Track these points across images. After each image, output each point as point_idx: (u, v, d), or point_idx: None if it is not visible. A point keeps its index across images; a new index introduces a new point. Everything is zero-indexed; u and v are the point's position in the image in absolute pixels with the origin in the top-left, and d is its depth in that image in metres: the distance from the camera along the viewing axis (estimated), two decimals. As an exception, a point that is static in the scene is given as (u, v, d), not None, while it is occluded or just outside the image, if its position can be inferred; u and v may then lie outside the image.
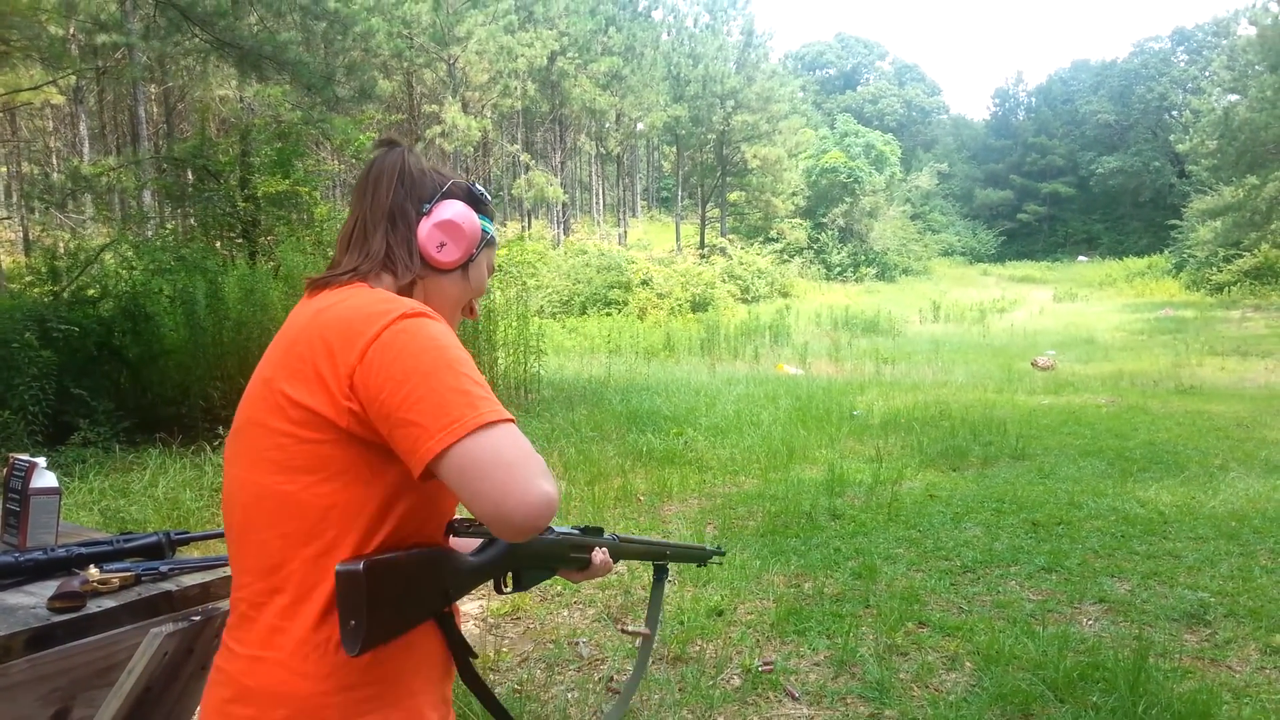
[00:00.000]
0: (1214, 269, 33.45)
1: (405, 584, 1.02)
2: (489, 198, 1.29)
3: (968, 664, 3.39)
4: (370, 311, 1.04)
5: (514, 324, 10.48)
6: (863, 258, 43.69)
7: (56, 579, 1.52)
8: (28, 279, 10.54)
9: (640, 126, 42.50)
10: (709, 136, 41.64)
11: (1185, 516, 5.46)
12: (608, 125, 42.01)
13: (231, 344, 7.77)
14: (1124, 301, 34.15)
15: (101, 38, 11.46)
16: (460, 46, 29.20)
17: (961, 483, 6.55)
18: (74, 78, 17.12)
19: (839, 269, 42.44)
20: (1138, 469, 6.95)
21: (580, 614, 3.99)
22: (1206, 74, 47.88)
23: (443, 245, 1.19)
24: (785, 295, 33.89)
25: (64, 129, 25.34)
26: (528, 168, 35.71)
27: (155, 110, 24.40)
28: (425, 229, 1.18)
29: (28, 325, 7.08)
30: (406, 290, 1.17)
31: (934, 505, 5.80)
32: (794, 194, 43.46)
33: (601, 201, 46.84)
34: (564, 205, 40.28)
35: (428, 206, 1.19)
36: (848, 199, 44.16)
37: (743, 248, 37.46)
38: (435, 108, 30.18)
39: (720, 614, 3.91)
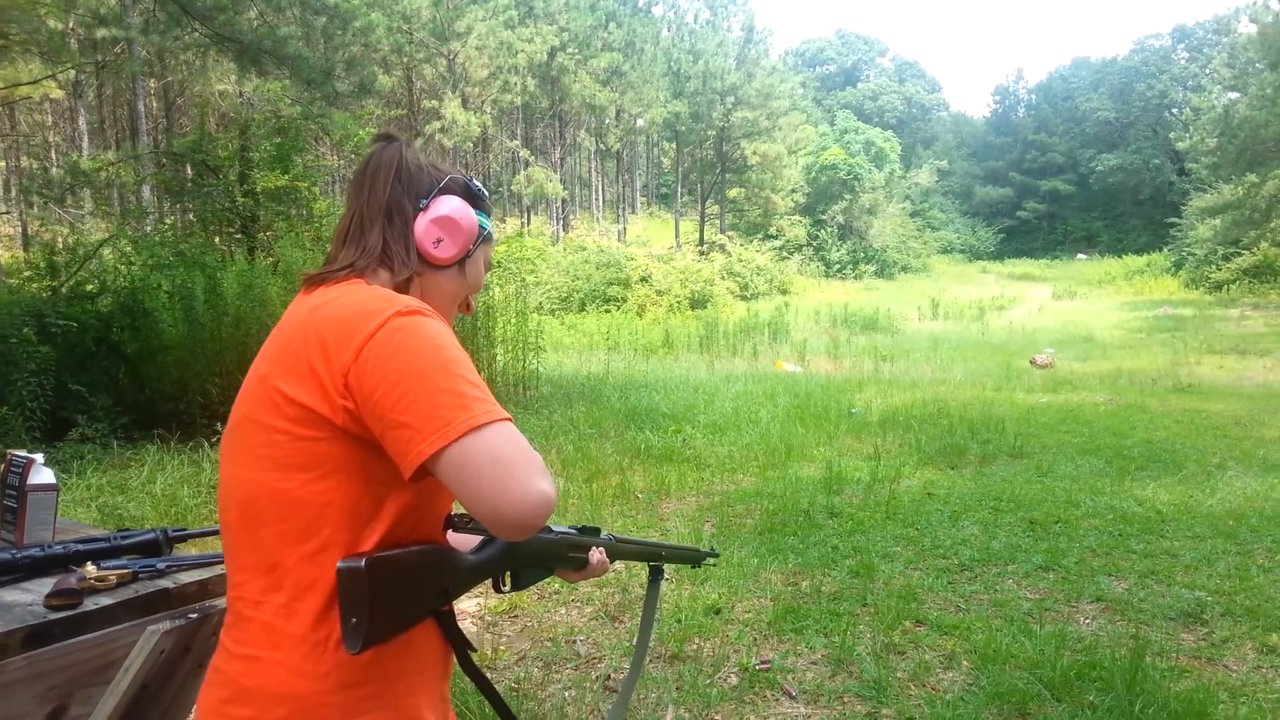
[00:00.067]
0: (1213, 267, 33.48)
1: (406, 582, 1.02)
2: (486, 193, 1.28)
3: (965, 663, 3.39)
4: (366, 309, 1.03)
5: (513, 320, 10.47)
6: (862, 255, 43.70)
7: (54, 576, 1.52)
8: (26, 274, 10.54)
9: (640, 122, 42.52)
10: (709, 133, 41.62)
11: (1183, 515, 5.46)
12: (607, 121, 41.99)
13: (230, 340, 7.76)
14: (1123, 299, 34.17)
15: (101, 32, 11.46)
16: (460, 42, 29.18)
17: (959, 481, 6.55)
18: (73, 72, 17.09)
19: (838, 266, 42.44)
20: (1135, 467, 6.96)
21: (578, 612, 3.99)
22: (1207, 71, 47.87)
23: (440, 241, 1.18)
24: (784, 292, 33.91)
25: (63, 123, 25.31)
26: (527, 164, 35.71)
27: (154, 105, 24.38)
28: (422, 225, 1.18)
29: (26, 320, 7.07)
30: (403, 286, 1.16)
31: (932, 503, 5.80)
32: (793, 191, 43.46)
33: (601, 198, 46.85)
34: (563, 201, 40.27)
35: (425, 202, 1.19)
36: (847, 196, 44.16)
37: (742, 245, 37.48)
38: (435, 103, 30.19)
39: (718, 612, 3.91)
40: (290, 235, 9.51)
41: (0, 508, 1.76)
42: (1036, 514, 5.50)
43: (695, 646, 3.57)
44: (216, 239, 10.65)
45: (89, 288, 8.71)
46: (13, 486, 1.74)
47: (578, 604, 4.07)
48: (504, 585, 1.22)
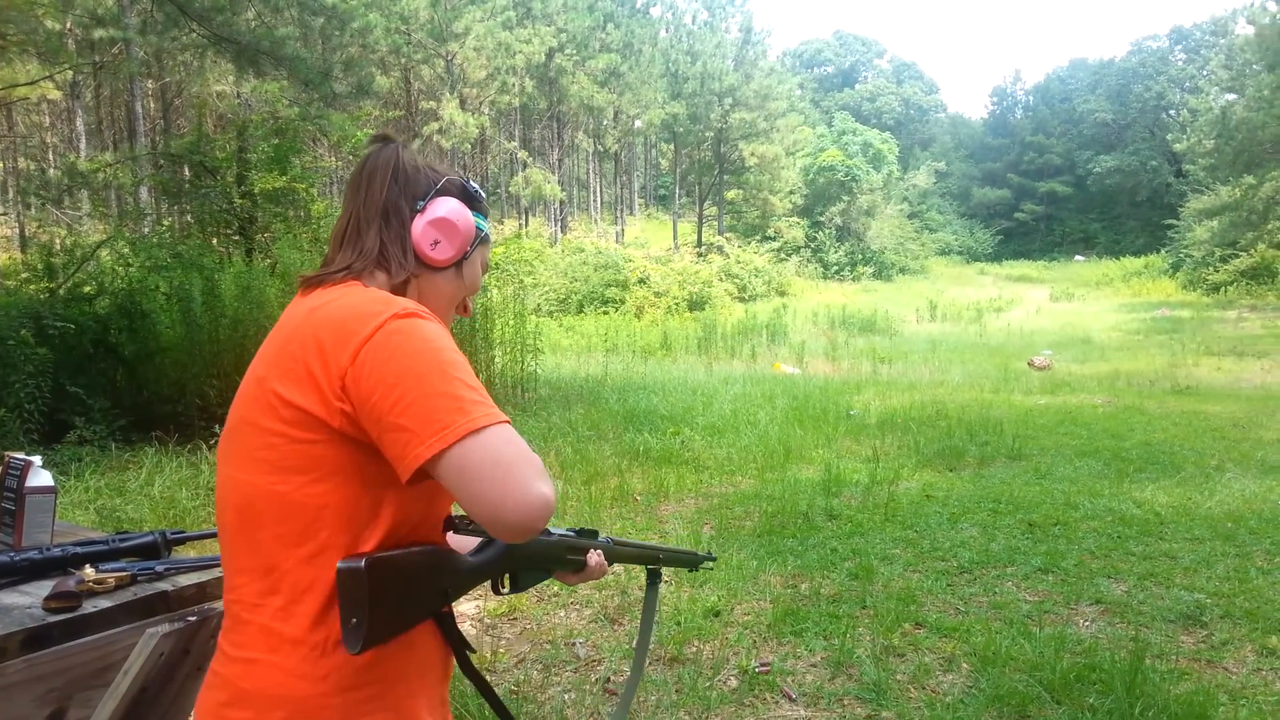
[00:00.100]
0: (1210, 269, 33.52)
1: (406, 582, 1.02)
2: (483, 194, 1.28)
3: (964, 665, 3.39)
4: (363, 311, 1.03)
5: (511, 322, 10.47)
6: (860, 256, 43.74)
7: (52, 579, 1.51)
8: (24, 275, 10.51)
9: (638, 124, 42.49)
10: (707, 134, 41.64)
11: (1181, 517, 5.47)
12: (605, 123, 42.02)
13: (228, 341, 7.75)
14: (1120, 301, 34.20)
15: (99, 33, 11.45)
16: (458, 43, 29.19)
17: (958, 483, 6.56)
18: (71, 73, 17.08)
19: (836, 268, 42.48)
20: (1134, 469, 6.96)
21: (577, 614, 3.99)
22: (1204, 73, 48.00)
23: (437, 243, 1.18)
24: (782, 294, 33.94)
25: (60, 124, 25.30)
26: (525, 165, 35.71)
27: (152, 106, 24.37)
28: (419, 226, 1.17)
29: (23, 322, 7.06)
30: (400, 288, 1.16)
31: (930, 506, 5.80)
32: (791, 192, 43.48)
33: (599, 199, 46.86)
34: (561, 203, 40.28)
35: (422, 203, 1.18)
36: (845, 197, 44.19)
37: (740, 246, 37.52)
38: (433, 104, 30.19)
39: (717, 615, 3.91)
40: (288, 237, 9.51)
41: (-2, 510, 1.76)
42: (1035, 516, 5.50)
43: (695, 649, 3.56)
44: (214, 240, 10.64)
45: (87, 289, 8.70)
46: (11, 489, 1.73)
47: (577, 606, 4.07)
48: (503, 587, 1.22)
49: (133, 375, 7.99)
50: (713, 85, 40.35)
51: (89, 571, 1.50)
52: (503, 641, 3.68)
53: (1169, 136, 43.54)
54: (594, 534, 1.37)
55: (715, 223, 43.32)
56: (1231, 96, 32.86)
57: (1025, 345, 20.91)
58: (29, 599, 1.46)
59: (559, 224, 40.04)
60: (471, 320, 9.24)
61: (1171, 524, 5.31)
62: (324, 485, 1.01)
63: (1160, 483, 6.47)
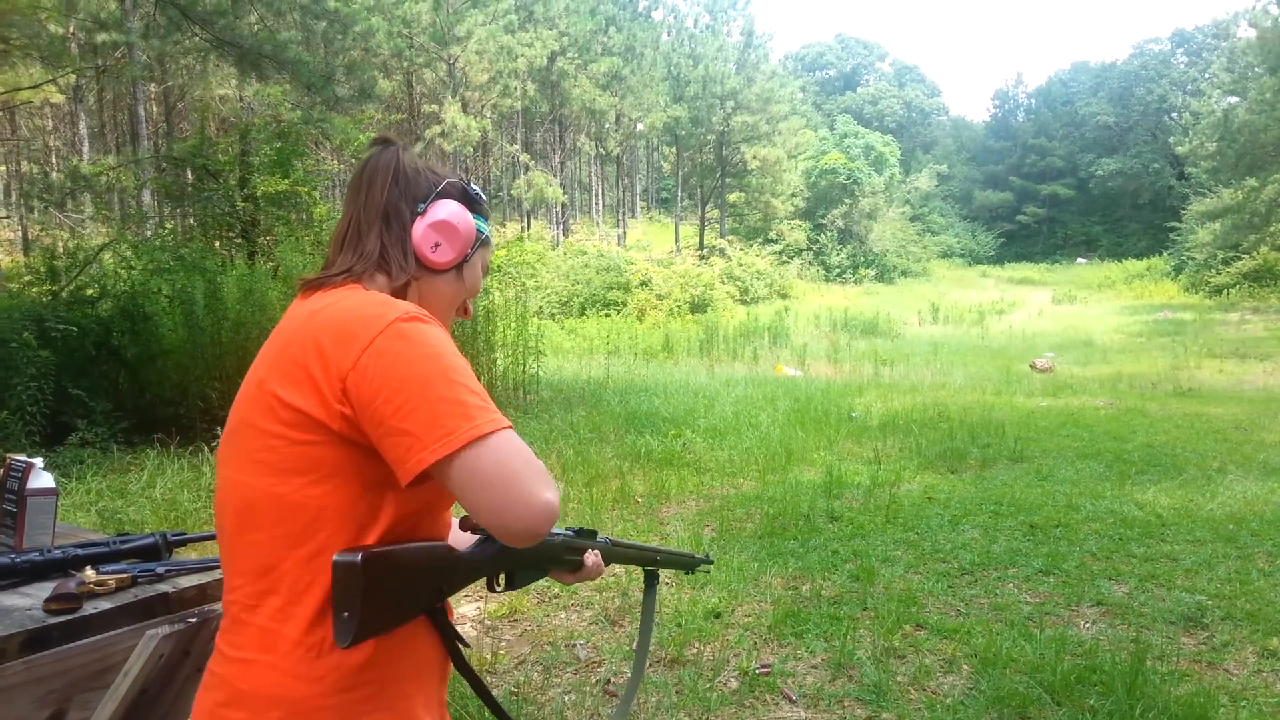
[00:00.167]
0: (1213, 271, 33.50)
1: (401, 578, 1.02)
2: (484, 197, 1.28)
3: (965, 666, 3.39)
4: (365, 314, 1.03)
5: (513, 325, 10.48)
6: (862, 259, 43.74)
7: (53, 580, 1.52)
8: (26, 278, 10.53)
9: (640, 127, 42.51)
10: (709, 137, 41.67)
11: (1183, 519, 5.46)
12: (607, 126, 42.01)
13: (230, 344, 7.77)
14: (1123, 304, 34.19)
15: (101, 36, 11.47)
16: (460, 46, 29.20)
17: (959, 485, 6.55)
18: (74, 76, 17.11)
19: (838, 270, 42.48)
20: (1136, 471, 6.95)
21: (578, 616, 3.99)
22: (1206, 76, 47.98)
23: (437, 245, 1.18)
24: (784, 297, 33.95)
25: (63, 128, 25.33)
26: (527, 168, 35.72)
27: (155, 109, 24.40)
28: (420, 229, 1.18)
29: (26, 325, 7.07)
30: (401, 291, 1.16)
31: (932, 507, 5.80)
32: (793, 195, 43.47)
33: (601, 202, 46.85)
34: (563, 206, 40.29)
35: (422, 206, 1.19)
36: (847, 200, 44.19)
37: (742, 249, 37.54)
38: (435, 107, 30.19)
39: (718, 616, 3.91)
40: (290, 240, 9.52)
41: (0, 512, 1.77)
42: (1037, 518, 5.49)
43: (695, 650, 3.56)
44: (216, 243, 10.67)
45: (89, 292, 8.72)
46: (12, 491, 1.74)
47: (577, 608, 4.07)
48: (498, 585, 1.22)
49: (135, 378, 8.01)
50: (714, 88, 40.37)
51: (89, 573, 1.51)
52: (503, 643, 3.68)
53: (1171, 139, 43.51)
54: (593, 534, 1.37)
55: (717, 225, 43.33)
56: (1233, 99, 32.84)
57: (1027, 347, 20.89)
58: (29, 600, 1.46)
59: (561, 227, 40.05)
60: (474, 323, 9.25)
61: (1173, 526, 5.31)
62: (323, 487, 1.01)
63: (1162, 485, 6.46)
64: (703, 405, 10.13)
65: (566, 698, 3.17)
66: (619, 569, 4.30)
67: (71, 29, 12.99)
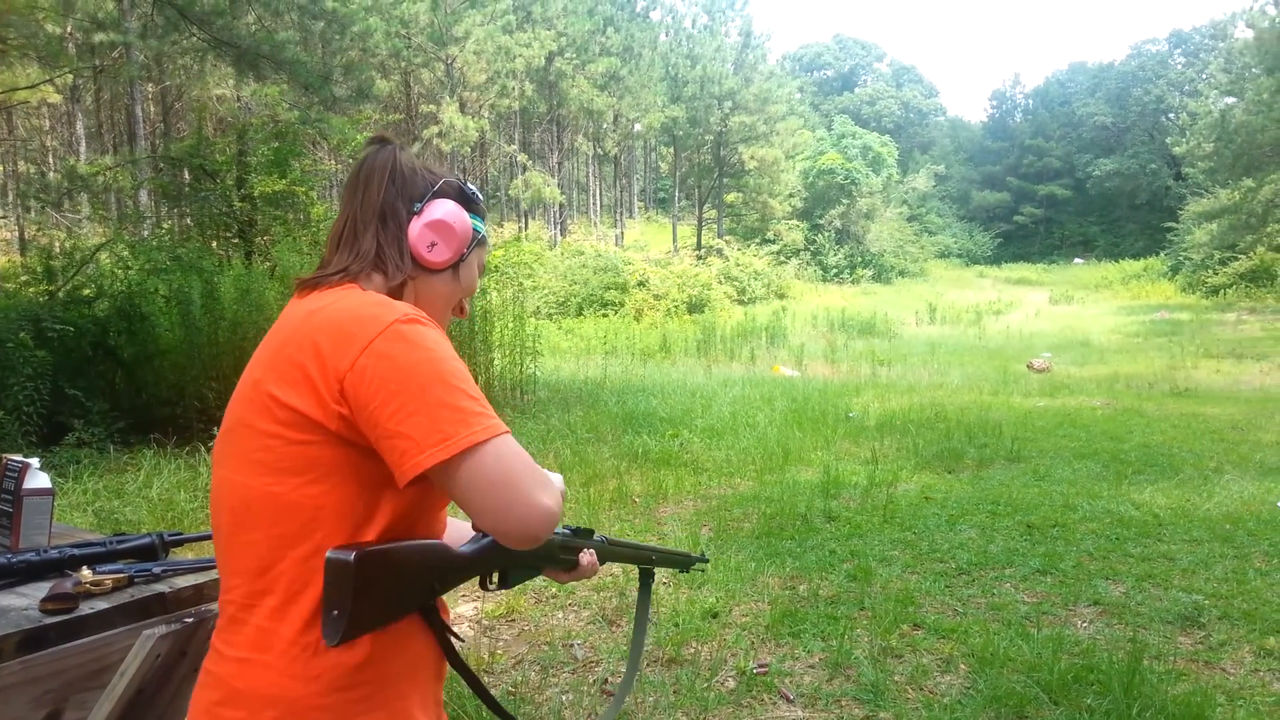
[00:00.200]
0: (1210, 271, 33.57)
1: (394, 575, 1.02)
2: (480, 197, 1.28)
3: (962, 666, 3.39)
4: (363, 315, 1.03)
5: (510, 325, 10.47)
6: (859, 259, 43.78)
7: (49, 580, 1.51)
8: (23, 278, 10.52)
9: (638, 127, 42.50)
10: (706, 138, 41.67)
11: (1180, 519, 5.47)
12: (605, 126, 42.03)
13: (227, 344, 7.76)
14: (1120, 304, 34.23)
15: (99, 36, 11.46)
16: (458, 46, 29.20)
17: (957, 485, 6.56)
18: (71, 76, 17.09)
19: (835, 270, 42.51)
20: (1133, 471, 6.96)
21: (575, 616, 3.99)
22: (1203, 77, 48.06)
23: (434, 245, 1.18)
24: (782, 297, 33.95)
25: (60, 128, 25.30)
26: (525, 168, 35.72)
27: (152, 109, 24.38)
28: (416, 228, 1.17)
29: (23, 325, 7.06)
30: (397, 290, 1.16)
31: (929, 507, 5.80)
32: (791, 195, 43.50)
33: (598, 202, 46.85)
34: (561, 206, 40.28)
35: (419, 206, 1.18)
36: (844, 200, 44.24)
37: (739, 249, 37.55)
38: (433, 108, 30.18)
39: (715, 616, 3.91)
40: (287, 240, 9.52)
41: (-4, 512, 1.76)
42: (1034, 518, 5.50)
43: (692, 650, 3.56)
44: (214, 243, 10.66)
45: (86, 292, 8.70)
46: (8, 491, 1.74)
47: (575, 607, 4.07)
48: (491, 583, 1.22)
49: (131, 378, 7.99)
50: (712, 89, 40.38)
51: (86, 573, 1.51)
52: (500, 643, 3.68)
53: (1168, 140, 43.58)
54: (589, 533, 1.37)
55: (715, 225, 43.35)
56: (1231, 100, 32.92)
57: (1024, 348, 20.91)
58: (26, 600, 1.46)
59: (558, 227, 40.05)
60: (471, 323, 9.24)
61: (1170, 525, 5.32)
62: (320, 486, 1.01)
63: (1159, 484, 6.47)
64: (700, 405, 10.12)
65: (564, 697, 3.17)
66: (618, 569, 4.30)
67: (69, 29, 12.97)
